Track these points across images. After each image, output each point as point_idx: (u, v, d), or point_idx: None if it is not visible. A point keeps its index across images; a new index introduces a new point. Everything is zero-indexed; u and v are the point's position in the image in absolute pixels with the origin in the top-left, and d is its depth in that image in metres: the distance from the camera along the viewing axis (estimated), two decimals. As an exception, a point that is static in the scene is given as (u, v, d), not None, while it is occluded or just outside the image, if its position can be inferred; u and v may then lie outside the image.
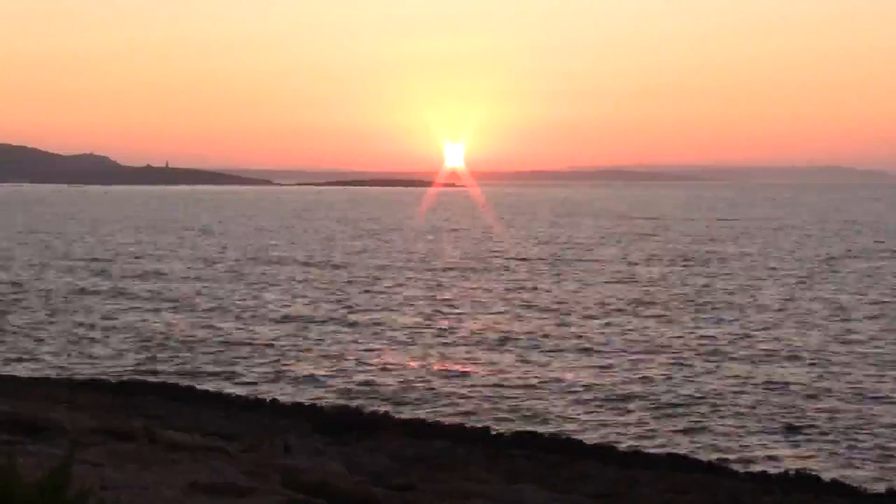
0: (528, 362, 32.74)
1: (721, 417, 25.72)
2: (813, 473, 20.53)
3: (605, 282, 56.44)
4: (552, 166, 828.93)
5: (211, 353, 34.36)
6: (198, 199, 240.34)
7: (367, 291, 51.92)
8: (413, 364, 32.61)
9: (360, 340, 36.91)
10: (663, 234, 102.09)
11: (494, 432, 23.55)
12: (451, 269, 64.92)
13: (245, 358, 33.56)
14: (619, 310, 44.64)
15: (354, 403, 26.71)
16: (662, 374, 30.74)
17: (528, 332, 38.51)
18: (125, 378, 29.74)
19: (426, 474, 17.22)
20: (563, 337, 37.52)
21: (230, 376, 30.78)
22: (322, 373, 31.19)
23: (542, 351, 34.75)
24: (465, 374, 30.97)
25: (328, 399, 27.49)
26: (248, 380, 30.35)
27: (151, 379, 29.70)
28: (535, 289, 53.08)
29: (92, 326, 40.17)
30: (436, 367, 32.09)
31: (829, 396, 27.94)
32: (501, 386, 29.30)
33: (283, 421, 23.52)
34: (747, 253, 77.56)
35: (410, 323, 41.18)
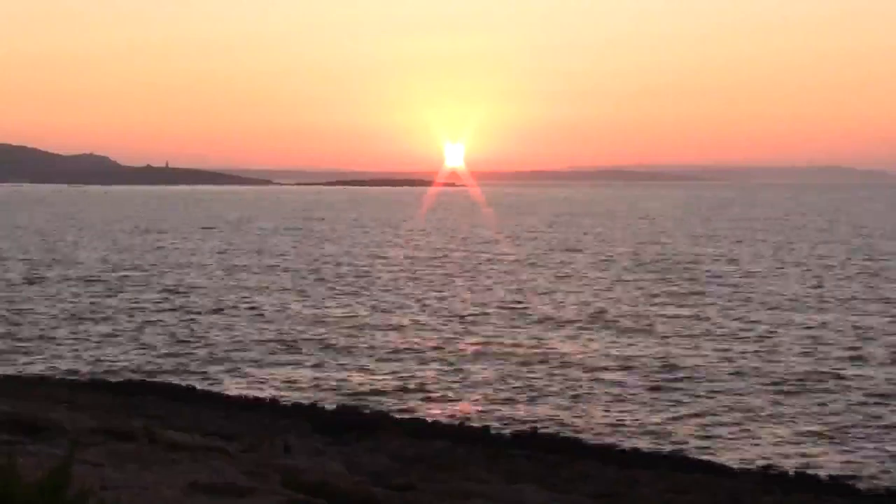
0: (528, 362, 32.74)
1: (721, 417, 25.72)
2: (813, 473, 20.54)
3: (608, 284, 56.42)
4: (552, 166, 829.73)
5: (211, 353, 34.35)
6: (198, 198, 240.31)
7: (367, 291, 51.93)
8: (413, 364, 32.60)
9: (360, 340, 36.90)
10: (666, 237, 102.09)
11: (494, 432, 23.56)
12: (451, 269, 64.92)
13: (245, 358, 33.55)
14: (619, 309, 44.63)
15: (354, 403, 26.70)
16: (663, 374, 30.73)
17: (528, 333, 38.51)
18: (125, 378, 29.76)
19: (426, 474, 17.22)
20: (563, 337, 37.51)
21: (230, 376, 30.78)
22: (322, 373, 31.19)
23: (542, 351, 34.74)
24: (465, 375, 30.96)
25: (328, 399, 27.49)
26: (248, 380, 30.35)
27: (151, 379, 29.70)
28: (534, 290, 53.07)
29: (92, 326, 40.16)
30: (436, 367, 32.08)
31: (830, 396, 27.95)
32: (501, 386, 29.30)
33: (283, 421, 23.52)
34: (760, 255, 77.56)
35: (411, 323, 41.18)
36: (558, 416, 25.95)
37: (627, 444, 23.08)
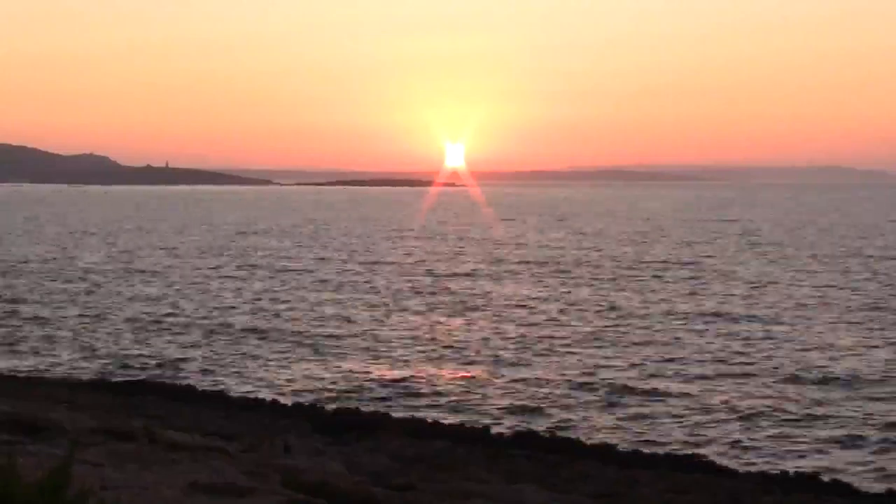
0: (528, 363, 32.75)
1: (721, 417, 25.72)
2: (813, 473, 20.53)
3: (608, 286, 56.43)
4: (552, 166, 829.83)
5: (212, 353, 34.36)
6: (198, 198, 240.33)
7: (367, 291, 51.94)
8: (413, 364, 32.60)
9: (360, 340, 36.90)
10: (663, 236, 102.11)
11: (494, 432, 23.55)
12: (451, 269, 64.92)
13: (245, 358, 33.55)
14: (620, 310, 44.64)
15: (354, 403, 26.70)
16: (663, 374, 30.75)
17: (528, 333, 38.52)
18: (125, 378, 29.75)
19: (426, 474, 17.21)
20: (562, 337, 37.52)
21: (230, 376, 30.78)
22: (322, 373, 31.20)
23: (542, 351, 34.75)
24: (465, 375, 30.97)
25: (328, 399, 27.48)
26: (248, 380, 30.35)
27: (151, 379, 29.69)
28: (536, 290, 53.08)
29: (92, 326, 40.16)
30: (436, 367, 32.09)
31: (830, 396, 27.95)
32: (501, 386, 29.30)
33: (283, 421, 23.51)
34: (763, 254, 77.60)
35: (411, 323, 41.19)
36: (558, 416, 25.95)
37: (627, 444, 23.08)
